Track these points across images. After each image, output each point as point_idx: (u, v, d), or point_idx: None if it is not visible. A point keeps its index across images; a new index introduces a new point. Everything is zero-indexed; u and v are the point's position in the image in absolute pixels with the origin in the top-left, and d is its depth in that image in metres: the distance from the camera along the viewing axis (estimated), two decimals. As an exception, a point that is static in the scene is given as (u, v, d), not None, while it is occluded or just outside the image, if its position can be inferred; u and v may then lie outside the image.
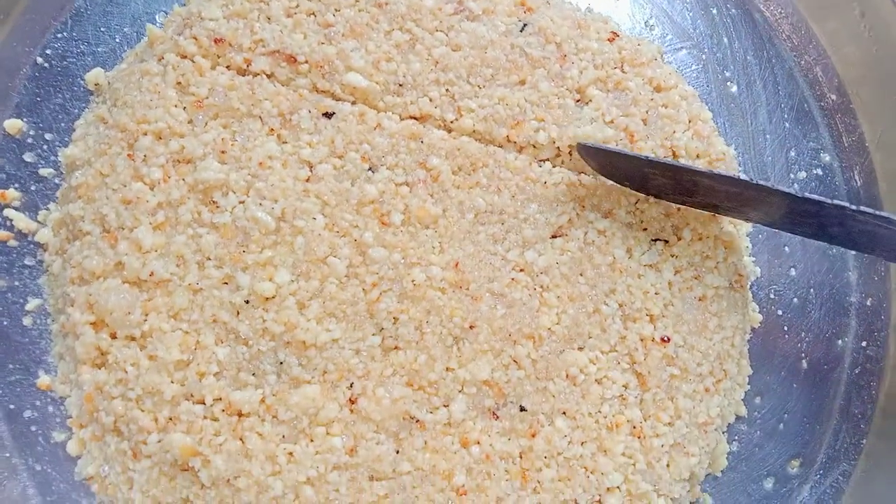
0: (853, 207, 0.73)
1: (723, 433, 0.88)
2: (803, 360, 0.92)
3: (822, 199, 0.75)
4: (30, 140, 0.86)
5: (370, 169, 0.81)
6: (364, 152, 0.81)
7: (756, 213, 0.80)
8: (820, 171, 0.96)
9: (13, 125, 0.85)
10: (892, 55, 0.89)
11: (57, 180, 0.86)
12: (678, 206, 0.86)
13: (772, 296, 0.93)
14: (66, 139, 0.87)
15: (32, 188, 0.86)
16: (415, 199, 0.81)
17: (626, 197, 0.84)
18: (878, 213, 0.73)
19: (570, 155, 0.85)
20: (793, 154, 0.96)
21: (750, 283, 0.91)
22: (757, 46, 0.98)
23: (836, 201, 0.74)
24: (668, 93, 0.88)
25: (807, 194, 0.75)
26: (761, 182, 0.76)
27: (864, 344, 0.93)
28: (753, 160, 0.96)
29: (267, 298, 0.77)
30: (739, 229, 0.89)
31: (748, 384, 0.90)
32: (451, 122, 0.84)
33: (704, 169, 0.78)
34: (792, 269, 0.94)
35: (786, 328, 0.93)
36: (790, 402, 0.91)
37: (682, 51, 0.97)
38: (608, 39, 0.88)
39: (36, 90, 0.88)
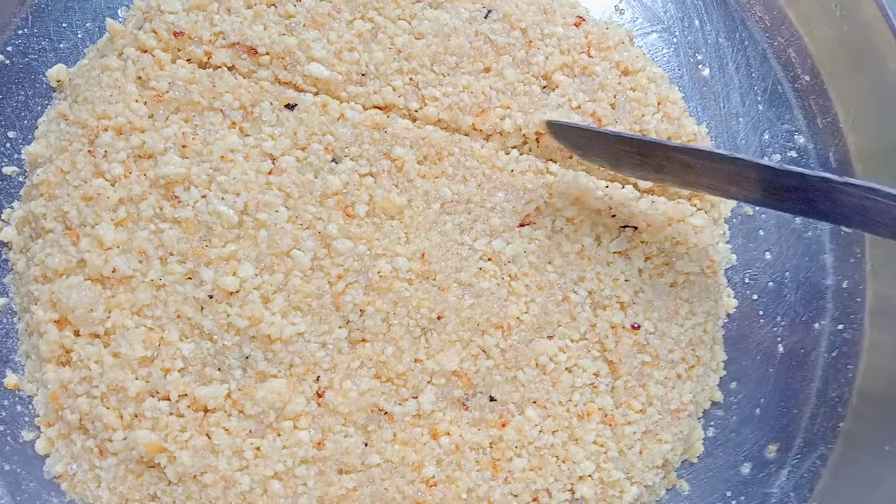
0: (839, 179, 0.69)
1: (698, 419, 0.87)
2: (779, 345, 0.91)
3: (804, 170, 0.71)
4: (-8, 138, 0.86)
5: (333, 160, 0.80)
6: (327, 143, 0.81)
7: (737, 188, 0.77)
8: (794, 154, 0.95)
9: (-25, 123, 0.85)
10: (863, 34, 0.88)
11: (21, 178, 0.85)
12: (649, 189, 0.85)
13: (747, 280, 0.92)
14: (29, 137, 0.86)
15: (-4, 187, 0.85)
16: (379, 190, 0.80)
17: (594, 183, 0.83)
18: (863, 183, 0.69)
19: (538, 142, 0.84)
20: (767, 137, 0.95)
21: (724, 268, 0.90)
22: (729, 28, 0.97)
23: (819, 173, 0.71)
24: (636, 76, 0.86)
25: (788, 166, 0.71)
26: (738, 155, 0.73)
27: (840, 327, 0.92)
28: (727, 144, 0.94)
29: (231, 293, 0.76)
30: (714, 214, 0.88)
31: (723, 370, 0.89)
32: (416, 111, 0.83)
33: (678, 144, 0.76)
34: (767, 253, 0.93)
35: (761, 312, 0.92)
36: (766, 386, 0.90)
37: (653, 34, 0.96)
38: (574, 24, 0.87)
39: (-2, 88, 0.87)
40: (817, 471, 0.89)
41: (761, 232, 0.93)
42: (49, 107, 0.87)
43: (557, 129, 0.80)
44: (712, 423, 0.89)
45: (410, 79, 0.83)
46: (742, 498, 0.88)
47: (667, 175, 0.79)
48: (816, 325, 0.93)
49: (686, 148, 0.75)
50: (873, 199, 0.70)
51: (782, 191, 0.74)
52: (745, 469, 0.89)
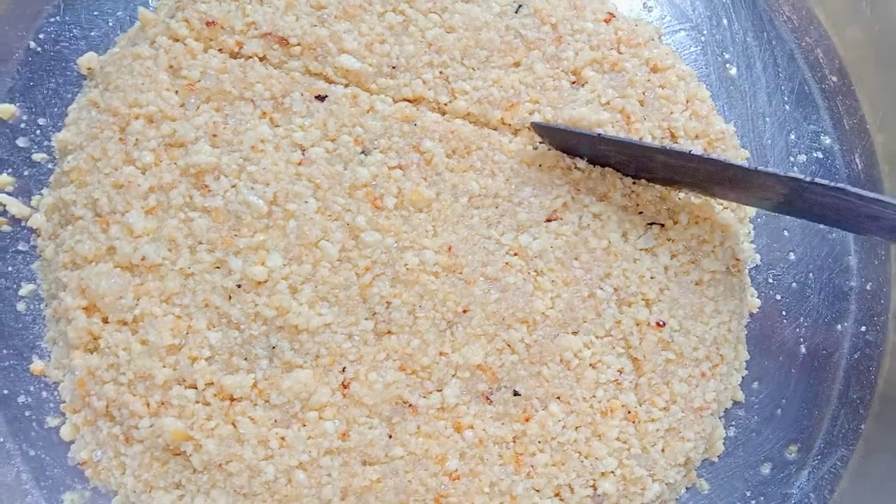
0: (807, 180, 0.72)
1: (720, 418, 0.87)
2: (802, 345, 0.91)
3: (775, 171, 0.74)
4: (23, 125, 0.86)
5: (363, 152, 0.81)
6: (357, 135, 0.81)
7: (718, 188, 0.80)
8: (820, 154, 0.95)
9: (6, 110, 0.85)
10: (894, 34, 0.88)
11: (50, 165, 0.86)
12: (676, 186, 0.85)
13: (770, 280, 0.92)
14: (59, 124, 0.86)
15: (25, 173, 0.85)
16: (408, 183, 0.80)
17: (621, 180, 0.83)
18: (832, 184, 0.71)
19: (566, 138, 0.84)
20: (793, 137, 0.95)
21: (748, 268, 0.90)
22: (757, 28, 0.97)
23: (790, 174, 0.73)
24: (665, 73, 0.86)
25: (759, 167, 0.74)
26: (713, 156, 0.75)
27: (863, 329, 0.92)
28: (753, 143, 0.94)
29: (259, 283, 0.76)
30: (739, 213, 0.88)
31: (746, 369, 0.89)
32: (445, 104, 0.83)
33: (656, 145, 0.77)
34: (791, 254, 0.93)
35: (784, 313, 0.92)
36: (788, 387, 0.90)
37: (681, 32, 0.96)
38: (604, 20, 0.87)
39: (29, 75, 0.87)
40: (837, 472, 0.89)
41: (786, 232, 0.93)
42: (79, 94, 0.87)
43: (543, 130, 0.81)
44: (733, 422, 0.89)
45: (441, 72, 0.83)
46: (761, 498, 0.88)
47: (651, 174, 0.81)
48: (839, 327, 0.92)
49: (665, 149, 0.77)
50: (844, 200, 0.72)
51: (758, 190, 0.77)
52: (766, 469, 0.88)
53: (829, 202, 0.74)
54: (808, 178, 0.72)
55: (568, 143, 0.81)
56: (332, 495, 0.74)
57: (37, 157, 0.86)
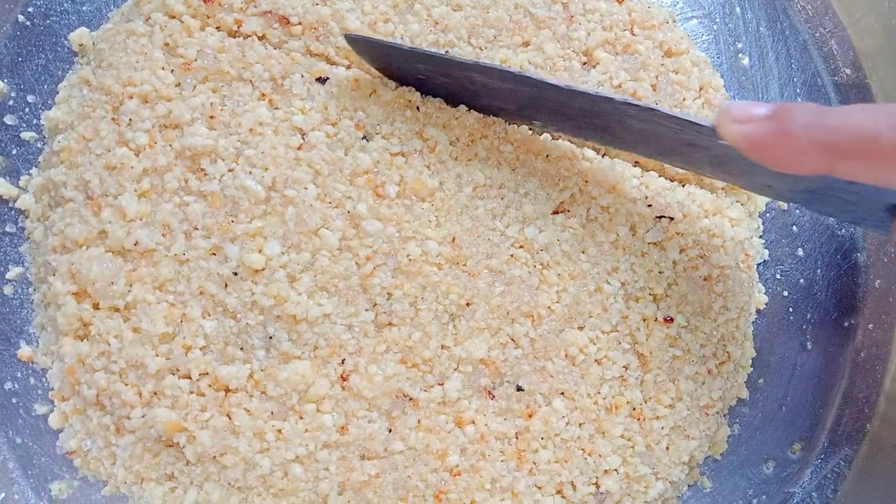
0: (619, 98, 0.69)
1: (724, 416, 0.86)
2: (808, 343, 0.90)
3: (588, 90, 0.70)
4: (11, 102, 0.83)
5: (364, 137, 0.78)
6: (358, 120, 0.78)
7: (540, 115, 0.77)
8: (831, 149, 0.93)
9: (-7, 86, 0.82)
10: (913, 27, 0.86)
11: (39, 144, 0.83)
12: (684, 178, 0.83)
13: (778, 276, 0.90)
14: (49, 102, 0.83)
15: (14, 152, 0.82)
16: (410, 171, 0.77)
17: (630, 171, 0.81)
18: (642, 104, 0.68)
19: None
20: (804, 130, 0.93)
21: (756, 264, 0.88)
22: (770, 17, 0.94)
23: (601, 93, 0.70)
24: (680, 58, 0.84)
25: (576, 87, 0.71)
26: (530, 74, 0.72)
27: (870, 327, 0.91)
28: (763, 136, 0.92)
29: (256, 270, 0.74)
30: (749, 208, 0.86)
31: (751, 366, 0.87)
32: (451, 88, 0.80)
33: (472, 61, 0.73)
34: (799, 249, 0.91)
35: (791, 309, 0.90)
36: (793, 384, 0.89)
37: (693, 20, 0.93)
38: (617, 1, 0.84)
39: (17, 50, 0.84)
40: (841, 472, 0.88)
41: (795, 228, 0.91)
42: (70, 71, 0.84)
43: (357, 43, 0.77)
44: (737, 419, 0.87)
45: (447, 51, 0.80)
46: (763, 497, 0.87)
47: (476, 101, 0.78)
48: (846, 324, 0.91)
49: (480, 66, 0.73)
50: (662, 125, 0.69)
51: (579, 115, 0.74)
52: (769, 468, 0.87)
53: (651, 130, 0.71)
54: (621, 98, 0.69)
55: (388, 62, 0.77)
56: (329, 490, 0.72)
57: (26, 135, 0.82)
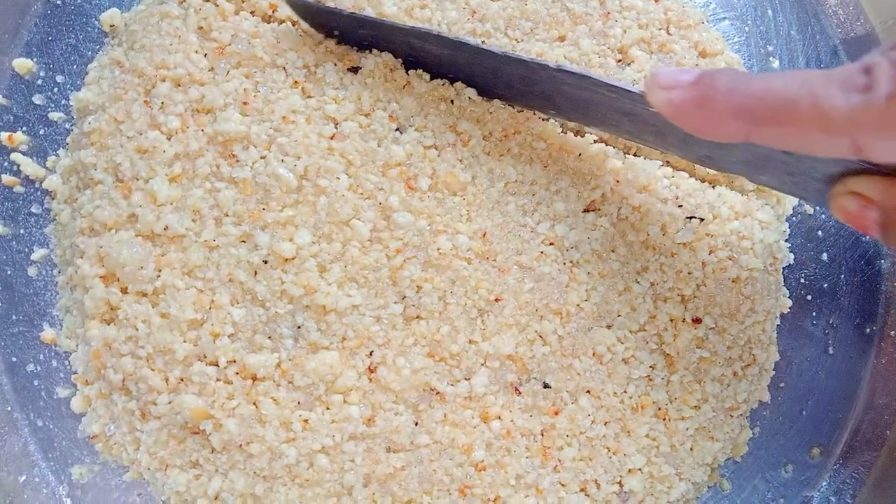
0: (553, 65, 0.69)
1: (746, 418, 0.86)
2: (830, 348, 0.90)
3: (523, 56, 0.71)
4: (40, 81, 0.82)
5: (398, 129, 0.78)
6: (392, 111, 0.77)
7: (482, 81, 0.76)
8: (859, 155, 0.93)
9: (23, 65, 0.81)
10: (947, 35, 0.85)
11: (67, 125, 0.82)
12: (714, 179, 0.83)
13: (802, 280, 0.90)
14: (77, 82, 0.82)
15: (41, 132, 0.81)
16: (443, 164, 0.77)
17: (662, 171, 0.81)
18: (577, 70, 0.68)
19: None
20: (832, 135, 0.92)
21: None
22: (802, 21, 0.94)
23: (536, 60, 0.71)
24: (714, 59, 0.84)
25: (512, 53, 0.71)
26: (466, 40, 0.72)
27: (892, 334, 0.91)
28: (791, 140, 0.92)
29: (286, 259, 0.73)
30: (778, 210, 0.86)
31: (773, 370, 0.87)
32: (484, 80, 0.79)
33: (409, 26, 0.74)
34: (824, 254, 0.91)
35: (814, 314, 0.90)
36: (814, 389, 0.89)
37: (725, 21, 0.93)
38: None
39: (48, 29, 0.83)
40: (860, 478, 0.88)
41: (820, 233, 0.91)
42: (101, 53, 0.83)
43: (299, 7, 0.77)
44: (757, 422, 0.87)
45: (483, 41, 0.79)
46: (781, 500, 0.87)
47: (422, 67, 0.78)
48: (868, 331, 0.91)
49: (415, 30, 0.74)
50: (597, 93, 0.69)
51: (520, 83, 0.73)
52: (787, 471, 0.87)
53: (589, 98, 0.71)
54: (555, 65, 0.69)
55: (330, 26, 0.77)
56: (354, 482, 0.72)
57: (54, 115, 0.82)
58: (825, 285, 0.91)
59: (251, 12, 0.79)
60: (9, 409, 0.78)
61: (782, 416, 0.88)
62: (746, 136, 0.54)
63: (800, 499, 0.87)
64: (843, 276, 0.91)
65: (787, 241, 0.90)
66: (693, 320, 0.79)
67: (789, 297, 0.89)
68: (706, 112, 0.54)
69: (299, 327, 0.73)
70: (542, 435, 0.76)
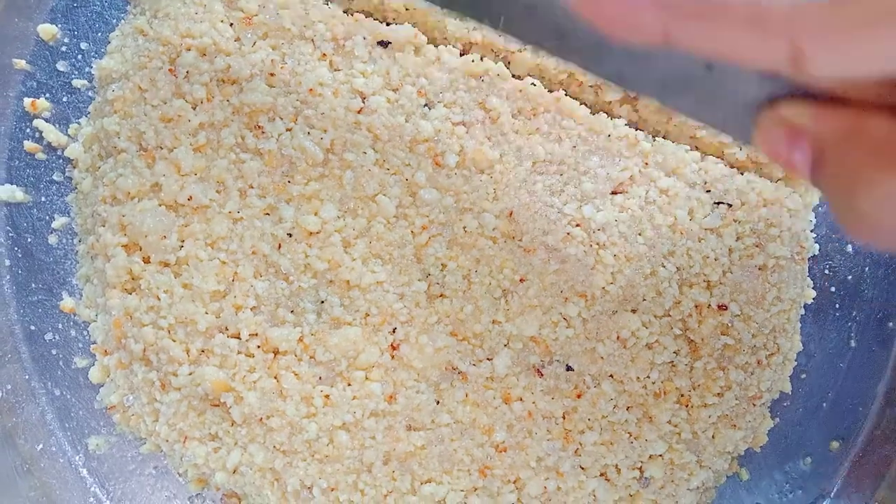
0: None
1: (767, 408, 0.85)
2: (852, 340, 0.89)
3: None
4: (63, 48, 0.81)
5: (426, 105, 0.76)
6: (420, 86, 0.76)
7: None
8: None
9: (47, 30, 0.80)
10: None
11: (90, 93, 0.81)
12: (743, 165, 0.82)
13: (826, 271, 0.89)
14: (101, 50, 0.81)
15: (64, 99, 0.80)
16: (471, 141, 0.76)
17: (690, 155, 0.80)
18: None
19: (636, 100, 0.80)
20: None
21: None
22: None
23: None
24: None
25: None
26: None
27: (916, 328, 0.90)
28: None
29: (311, 233, 0.72)
30: (806, 199, 0.85)
31: (795, 360, 0.87)
32: (513, 53, 0.78)
33: None
34: (849, 246, 0.90)
35: (837, 306, 0.89)
36: (835, 381, 0.88)
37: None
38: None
39: (72, -6, 0.82)
40: (879, 471, 0.87)
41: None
42: (123, 21, 0.82)
43: None
44: (778, 413, 0.87)
45: (515, 24, 0.78)
46: (799, 491, 0.86)
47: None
48: (891, 324, 0.90)
49: None
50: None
51: None
52: (806, 463, 0.87)
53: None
54: None
55: None
56: (374, 458, 0.72)
57: (77, 83, 0.81)
58: (849, 277, 0.90)
59: (280, -18, 0.78)
60: (27, 377, 0.77)
61: (802, 408, 0.87)
62: (665, 34, 0.46)
63: (818, 491, 0.87)
64: (867, 269, 0.90)
65: (812, 231, 0.89)
66: (718, 307, 0.78)
67: (813, 288, 0.88)
68: (621, 2, 0.45)
69: (322, 302, 0.72)
70: (564, 418, 0.75)
